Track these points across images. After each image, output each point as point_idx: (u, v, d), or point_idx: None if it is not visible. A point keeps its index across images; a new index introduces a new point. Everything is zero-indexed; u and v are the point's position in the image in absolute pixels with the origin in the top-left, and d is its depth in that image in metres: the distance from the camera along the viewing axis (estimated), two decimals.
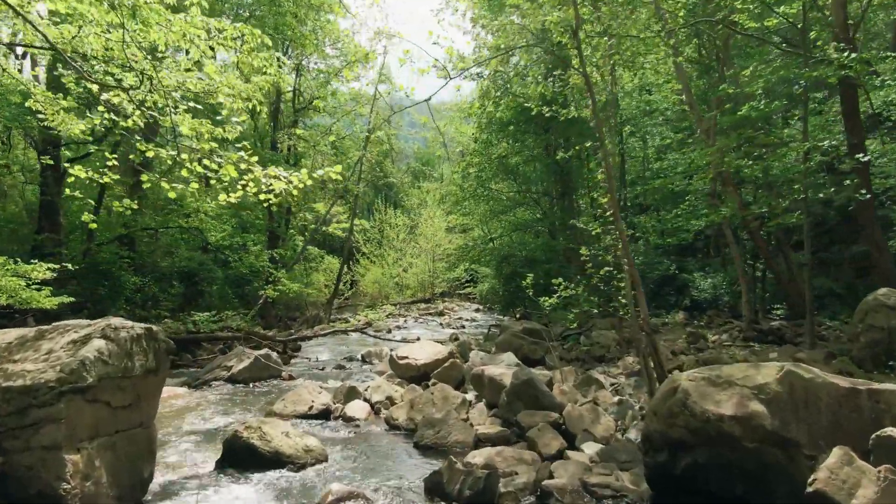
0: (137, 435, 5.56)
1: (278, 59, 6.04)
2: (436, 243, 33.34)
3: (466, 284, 31.06)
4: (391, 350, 15.13)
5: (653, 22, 10.88)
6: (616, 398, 7.43)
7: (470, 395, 8.81)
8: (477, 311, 28.01)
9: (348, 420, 8.16)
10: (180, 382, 10.80)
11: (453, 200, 19.98)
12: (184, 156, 4.90)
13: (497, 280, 19.82)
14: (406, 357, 10.17)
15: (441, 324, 22.71)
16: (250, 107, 5.81)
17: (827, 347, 9.63)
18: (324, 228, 32.18)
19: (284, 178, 5.01)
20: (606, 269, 7.76)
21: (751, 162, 9.69)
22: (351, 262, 33.73)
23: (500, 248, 18.42)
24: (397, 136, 34.68)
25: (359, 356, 15.15)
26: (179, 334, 13.80)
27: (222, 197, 5.23)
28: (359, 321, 18.33)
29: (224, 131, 5.93)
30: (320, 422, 8.15)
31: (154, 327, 5.81)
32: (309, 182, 5.63)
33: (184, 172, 5.19)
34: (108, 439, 5.16)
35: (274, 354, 11.45)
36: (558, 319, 14.16)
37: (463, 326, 22.32)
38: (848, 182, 9.04)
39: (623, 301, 7.75)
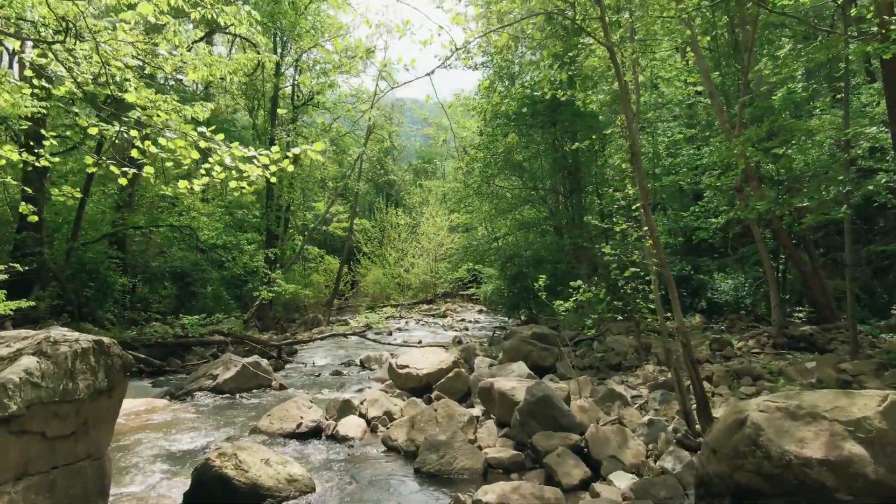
0: (84, 470, 4.59)
1: (249, 13, 5.05)
2: (438, 243, 32.35)
3: (469, 285, 30.03)
4: (391, 356, 14.19)
5: (674, 5, 9.95)
6: (645, 418, 6.45)
7: (477, 410, 7.85)
8: (480, 312, 27.04)
9: (341, 439, 7.19)
10: (162, 393, 9.85)
11: (457, 198, 18.95)
12: (132, 132, 3.94)
13: (502, 281, 18.83)
14: (406, 366, 9.19)
15: (443, 326, 21.76)
16: (219, 76, 4.85)
17: (872, 357, 8.64)
18: (324, 227, 31.22)
19: (254, 158, 4.04)
20: (632, 269, 6.78)
21: (789, 151, 8.71)
22: (351, 262, 32.77)
23: (504, 247, 17.41)
24: (399, 133, 33.67)
25: (357, 361, 14.25)
26: (167, 338, 12.82)
27: (183, 184, 4.29)
28: (358, 323, 17.36)
29: (194, 110, 4.96)
30: (309, 441, 7.18)
31: (105, 340, 4.82)
32: (289, 167, 4.66)
33: (133, 153, 4.23)
34: (43, 478, 4.19)
35: (264, 362, 10.46)
36: (569, 323, 13.18)
37: (466, 329, 21.38)
38: None
39: (651, 306, 6.76)
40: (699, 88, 14.68)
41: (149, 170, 4.30)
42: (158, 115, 3.83)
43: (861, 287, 15.10)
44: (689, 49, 14.90)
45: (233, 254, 16.11)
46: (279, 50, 23.76)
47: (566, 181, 16.26)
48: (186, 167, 4.64)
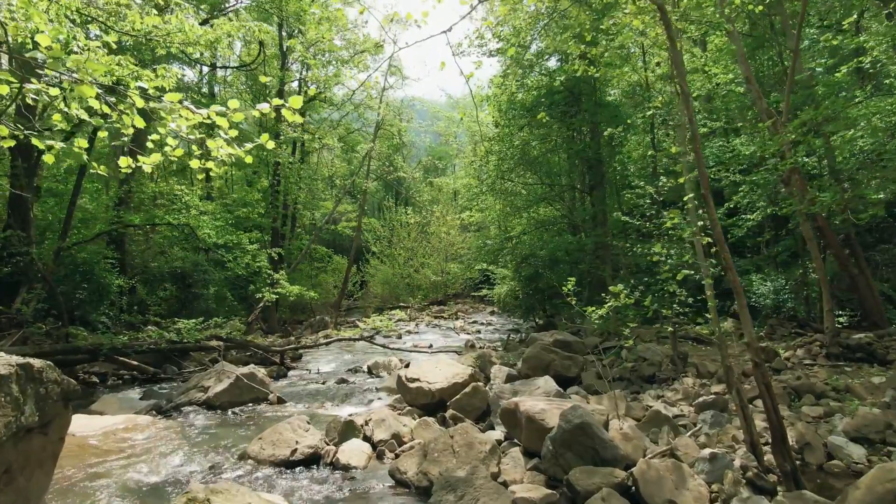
0: None
1: None
2: (449, 242, 31.19)
3: (480, 286, 28.81)
4: (400, 363, 13.12)
5: None
6: (706, 450, 5.29)
7: (498, 433, 6.74)
8: (492, 314, 25.96)
9: (342, 469, 6.11)
10: (148, 407, 8.79)
11: (470, 194, 17.72)
12: (52, 91, 2.89)
13: (516, 282, 17.70)
14: (417, 379, 8.08)
15: (455, 328, 20.67)
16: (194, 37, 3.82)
17: None
18: (332, 227, 30.17)
19: (217, 128, 2.97)
20: (685, 271, 5.67)
21: (858, 134, 7.54)
22: (360, 263, 31.69)
23: (520, 247, 16.23)
24: (409, 129, 32.42)
25: (364, 367, 13.23)
26: (160, 344, 11.79)
27: (124, 162, 3.24)
28: (365, 327, 16.28)
29: (156, 75, 3.90)
30: (305, 471, 6.10)
31: (36, 363, 3.76)
32: (269, 144, 3.59)
33: (55, 119, 3.18)
34: None
35: (261, 372, 9.37)
36: (594, 329, 12.00)
37: (479, 332, 20.31)
38: None
39: (708, 315, 5.64)
40: (728, 78, 13.49)
41: (81, 143, 3.23)
42: (77, 62, 2.78)
43: (893, 288, 13.86)
44: (711, 38, 13.75)
45: (234, 253, 15.06)
46: (285, 45, 22.70)
47: (586, 176, 15.08)
48: (127, 137, 3.54)
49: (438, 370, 8.20)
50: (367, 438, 6.76)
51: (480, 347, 16.45)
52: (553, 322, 15.75)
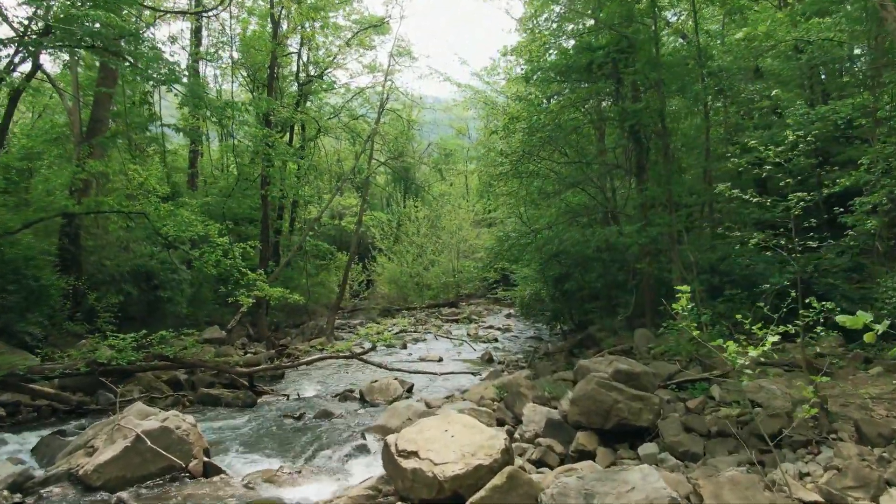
0: None
1: None
2: (461, 238, 27.74)
3: (496, 286, 25.18)
4: (401, 386, 9.83)
5: None
6: None
7: None
8: (509, 317, 22.52)
9: None
10: (6, 481, 5.41)
11: (492, 175, 14.13)
12: None
13: (541, 284, 14.28)
14: (415, 454, 4.63)
15: (469, 335, 17.27)
16: None
17: None
18: (335, 222, 26.84)
19: None
20: None
21: None
22: (367, 260, 28.35)
23: (547, 241, 12.74)
24: (418, 124, 28.85)
25: (357, 392, 10.09)
26: (78, 368, 8.52)
27: None
28: (362, 338, 12.98)
29: None
30: None
31: None
32: None
33: None
34: None
35: (184, 423, 5.90)
36: (664, 352, 8.48)
37: (496, 339, 16.95)
38: None
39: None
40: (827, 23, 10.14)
41: None
42: None
43: None
44: None
45: (202, 249, 11.80)
46: (281, 20, 19.35)
47: (632, 153, 11.55)
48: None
49: (450, 437, 4.77)
50: None
51: (500, 363, 13.08)
52: (592, 335, 12.27)
